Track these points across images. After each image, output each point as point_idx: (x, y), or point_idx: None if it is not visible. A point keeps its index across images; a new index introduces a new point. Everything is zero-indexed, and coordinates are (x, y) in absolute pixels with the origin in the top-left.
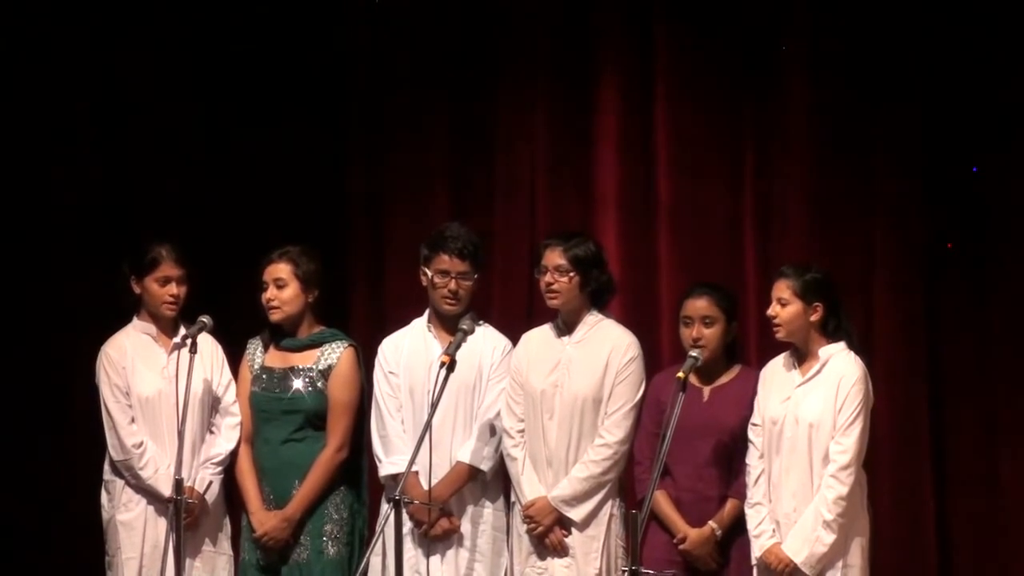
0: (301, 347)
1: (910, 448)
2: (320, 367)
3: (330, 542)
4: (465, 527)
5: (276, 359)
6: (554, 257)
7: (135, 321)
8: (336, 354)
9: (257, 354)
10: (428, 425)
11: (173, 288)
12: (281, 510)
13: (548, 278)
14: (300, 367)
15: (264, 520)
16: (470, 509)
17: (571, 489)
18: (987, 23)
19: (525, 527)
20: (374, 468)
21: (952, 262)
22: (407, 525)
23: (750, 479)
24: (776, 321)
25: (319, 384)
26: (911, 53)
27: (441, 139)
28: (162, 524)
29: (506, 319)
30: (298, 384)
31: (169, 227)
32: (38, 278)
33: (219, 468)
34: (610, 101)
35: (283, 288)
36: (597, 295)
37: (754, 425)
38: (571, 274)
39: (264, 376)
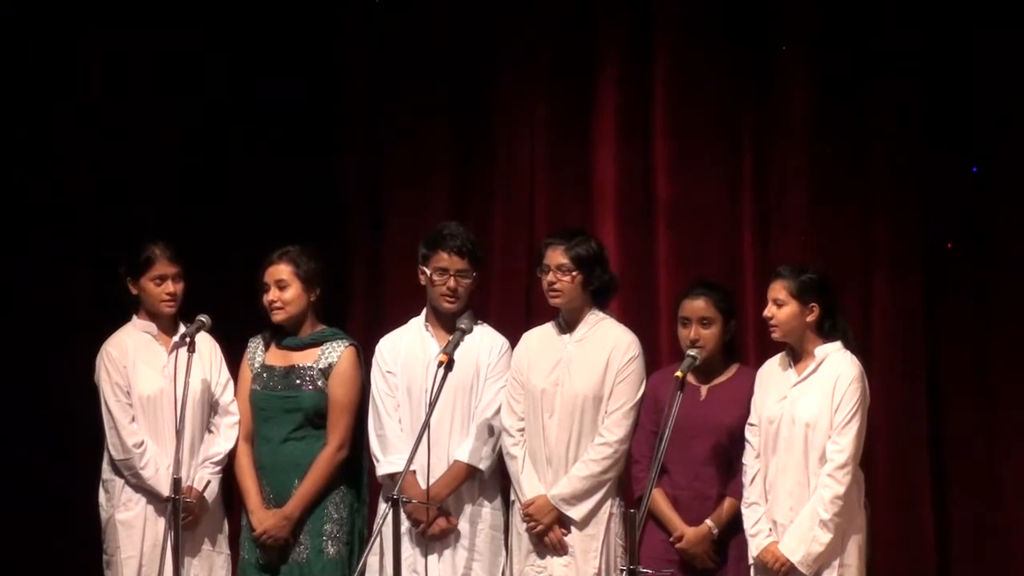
0: (302, 346)
1: (908, 447)
2: (321, 366)
3: (330, 541)
4: (463, 526)
5: (277, 358)
6: (556, 256)
7: (135, 320)
8: (337, 353)
9: (258, 353)
10: (426, 424)
11: (169, 286)
12: (281, 508)
13: (550, 277)
14: (301, 366)
15: (264, 518)
16: (468, 508)
17: (571, 488)
18: (987, 22)
19: (525, 525)
20: (374, 467)
21: (952, 262)
22: (405, 524)
23: (746, 478)
24: (772, 322)
25: (319, 383)
26: (911, 53)
27: (440, 138)
28: (161, 523)
29: (505, 318)
30: (298, 383)
31: (168, 227)
32: (38, 278)
33: (218, 467)
34: (609, 100)
35: (285, 289)
36: (599, 294)
37: (751, 425)
38: (573, 273)
39: (264, 375)
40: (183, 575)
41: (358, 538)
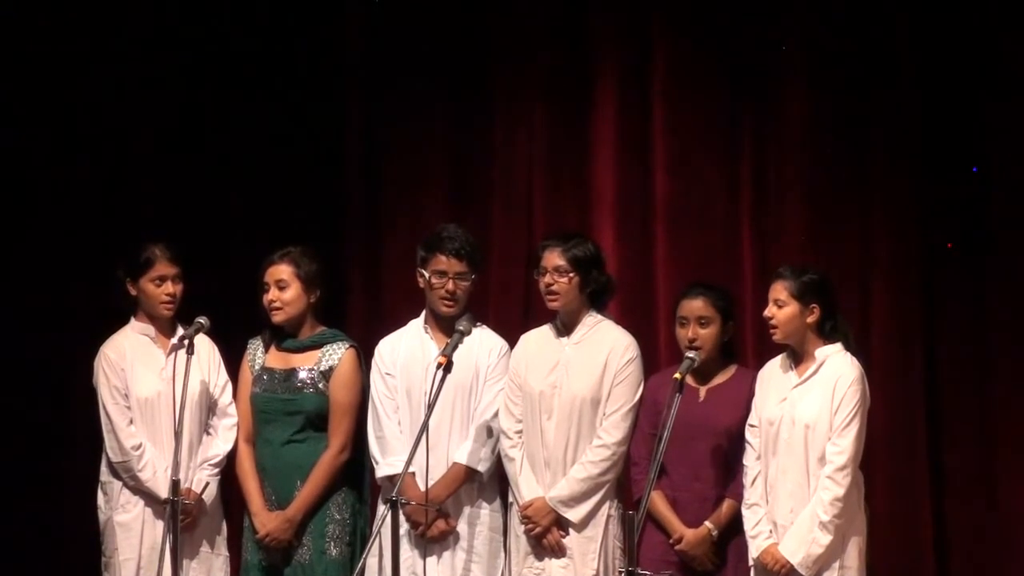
0: (302, 348)
1: (907, 449)
2: (321, 368)
3: (332, 543)
4: (461, 528)
5: (277, 360)
6: (553, 258)
7: (133, 322)
8: (337, 355)
9: (258, 355)
10: (425, 426)
11: (169, 287)
12: (283, 511)
13: (547, 279)
14: (301, 368)
15: (266, 521)
16: (466, 510)
17: (569, 490)
18: (986, 22)
19: (523, 528)
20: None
21: (952, 262)
22: (404, 526)
23: (747, 480)
24: (773, 323)
25: (320, 385)
26: (910, 53)
27: (439, 140)
28: (160, 525)
29: (503, 320)
30: (299, 385)
31: (167, 228)
32: (37, 279)
33: (216, 469)
34: (608, 102)
35: (285, 289)
36: (596, 296)
37: (751, 426)
38: (571, 275)
39: (265, 377)
40: None
41: (360, 539)
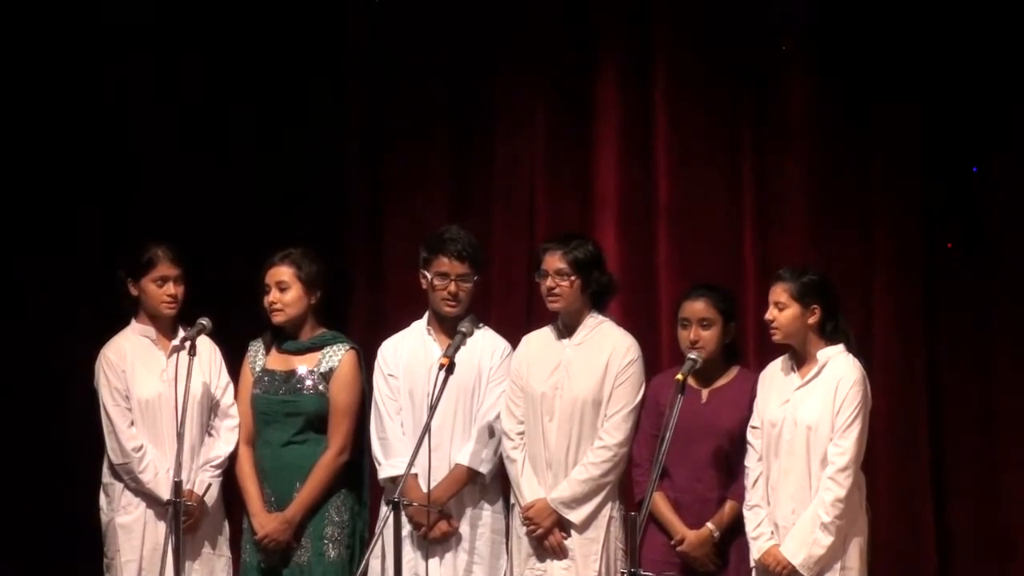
0: (303, 350)
1: (908, 450)
2: (322, 370)
3: (331, 544)
4: (464, 529)
5: (278, 361)
6: (554, 261)
7: (133, 324)
8: (338, 357)
9: (258, 356)
10: (427, 427)
11: (171, 287)
12: (282, 512)
13: (549, 282)
14: (302, 370)
15: (265, 522)
16: (469, 512)
17: (570, 491)
18: (986, 23)
19: (524, 529)
20: (375, 470)
21: (952, 262)
22: (406, 528)
23: (748, 481)
24: (774, 325)
25: (321, 387)
26: (910, 53)
27: (440, 141)
28: (161, 527)
29: (505, 321)
30: (299, 387)
31: (168, 229)
32: (37, 280)
33: (218, 471)
34: (609, 103)
35: (286, 291)
36: (598, 296)
37: (753, 428)
38: (572, 277)
39: (265, 378)
40: None
41: (359, 541)
